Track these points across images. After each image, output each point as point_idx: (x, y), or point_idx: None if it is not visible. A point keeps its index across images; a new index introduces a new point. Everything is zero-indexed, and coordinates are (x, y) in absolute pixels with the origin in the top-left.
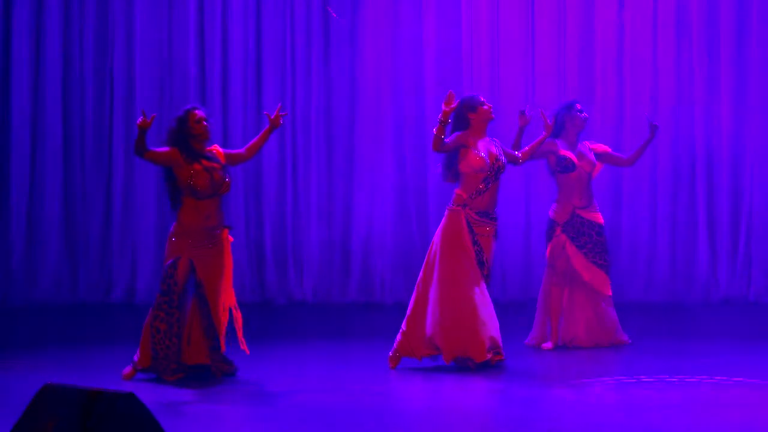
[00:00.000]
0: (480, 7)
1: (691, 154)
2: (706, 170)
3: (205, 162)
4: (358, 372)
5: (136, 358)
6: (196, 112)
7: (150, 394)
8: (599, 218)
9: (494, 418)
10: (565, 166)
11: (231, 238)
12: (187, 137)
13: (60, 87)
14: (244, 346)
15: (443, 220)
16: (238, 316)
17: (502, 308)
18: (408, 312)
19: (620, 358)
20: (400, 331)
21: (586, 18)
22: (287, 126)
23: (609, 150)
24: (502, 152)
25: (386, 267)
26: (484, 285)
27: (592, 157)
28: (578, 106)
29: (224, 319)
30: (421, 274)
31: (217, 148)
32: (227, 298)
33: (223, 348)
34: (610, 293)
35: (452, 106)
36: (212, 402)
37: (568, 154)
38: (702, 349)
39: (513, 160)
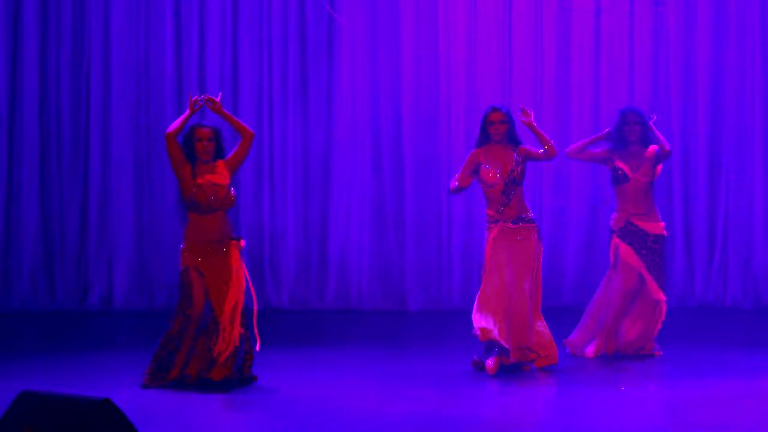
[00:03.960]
0: (457, 20)
1: (667, 160)
2: (682, 176)
3: (208, 177)
4: (334, 377)
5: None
6: (198, 130)
7: (127, 401)
8: (658, 228)
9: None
10: (616, 177)
11: (243, 242)
12: (192, 154)
13: (37, 94)
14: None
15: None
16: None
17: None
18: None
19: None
20: None
21: (563, 25)
22: (265, 134)
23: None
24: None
25: (363, 274)
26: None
27: (648, 166)
28: (631, 117)
29: (232, 326)
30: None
31: (221, 164)
32: (236, 307)
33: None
34: (663, 298)
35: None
36: (188, 407)
37: (621, 165)
38: (677, 355)
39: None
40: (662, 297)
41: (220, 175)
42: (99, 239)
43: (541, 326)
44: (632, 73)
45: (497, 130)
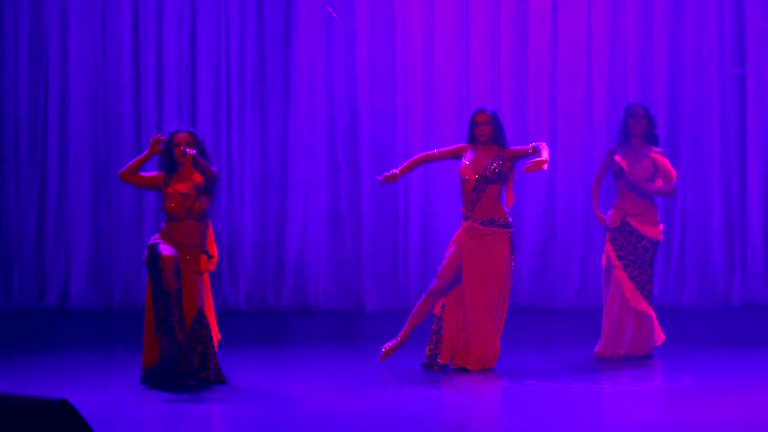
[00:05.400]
0: (414, 18)
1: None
2: None
3: (177, 186)
4: (292, 378)
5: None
6: (176, 136)
7: (84, 402)
8: (653, 232)
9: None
10: (614, 172)
11: (212, 267)
12: (172, 160)
13: None
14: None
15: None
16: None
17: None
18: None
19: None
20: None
21: (520, 23)
22: (223, 132)
23: (664, 167)
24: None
25: (320, 274)
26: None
27: (647, 164)
28: (636, 110)
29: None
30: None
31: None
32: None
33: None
34: (643, 309)
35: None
36: (146, 408)
37: (620, 159)
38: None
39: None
40: (641, 308)
41: (191, 183)
42: (56, 238)
43: (489, 336)
44: (589, 72)
45: (482, 132)
